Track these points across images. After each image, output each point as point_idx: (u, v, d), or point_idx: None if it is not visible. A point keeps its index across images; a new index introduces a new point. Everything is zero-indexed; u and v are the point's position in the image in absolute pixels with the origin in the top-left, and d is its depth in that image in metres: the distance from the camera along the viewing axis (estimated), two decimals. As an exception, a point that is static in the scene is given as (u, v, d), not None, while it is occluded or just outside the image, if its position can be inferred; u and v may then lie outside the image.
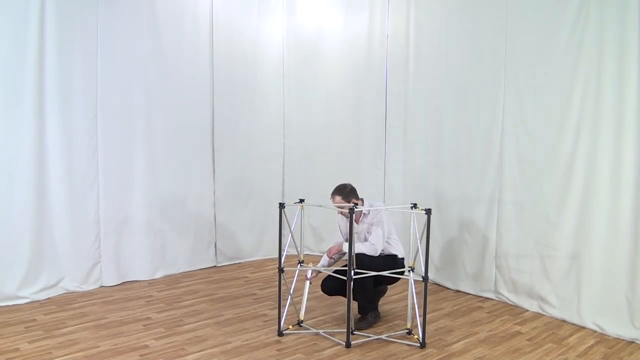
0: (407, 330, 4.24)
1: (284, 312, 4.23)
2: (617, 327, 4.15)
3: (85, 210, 5.13)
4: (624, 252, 4.11)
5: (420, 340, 3.99)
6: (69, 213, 5.03)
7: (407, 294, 4.28)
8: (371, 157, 6.12)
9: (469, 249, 5.21)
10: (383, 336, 4.14)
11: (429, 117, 5.52)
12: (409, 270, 4.17)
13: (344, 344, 3.96)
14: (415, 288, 4.08)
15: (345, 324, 3.99)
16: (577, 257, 4.40)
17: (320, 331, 4.22)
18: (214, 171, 6.03)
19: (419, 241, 4.03)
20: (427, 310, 4.73)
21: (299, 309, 4.39)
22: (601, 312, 4.25)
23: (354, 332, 4.17)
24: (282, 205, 4.11)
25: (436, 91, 5.42)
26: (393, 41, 5.86)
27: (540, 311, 4.67)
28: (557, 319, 4.52)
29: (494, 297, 5.04)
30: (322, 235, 6.54)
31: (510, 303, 4.90)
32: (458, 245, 5.31)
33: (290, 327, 4.29)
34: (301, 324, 4.36)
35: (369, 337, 4.13)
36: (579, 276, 4.39)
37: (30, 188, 4.77)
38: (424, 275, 3.94)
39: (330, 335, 4.15)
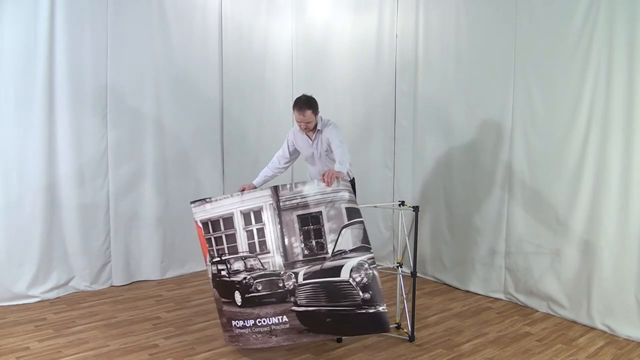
0: (397, 325, 4.33)
1: None
2: (627, 328, 4.13)
3: (95, 210, 5.16)
4: (634, 253, 4.08)
5: (410, 334, 4.08)
6: (79, 213, 5.05)
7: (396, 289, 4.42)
8: (380, 156, 6.10)
9: (478, 249, 5.19)
10: None
11: (439, 116, 5.50)
12: (397, 266, 4.33)
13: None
14: (403, 282, 4.26)
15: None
16: (586, 258, 4.37)
17: None
18: (223, 171, 6.03)
19: (407, 237, 4.18)
20: (436, 311, 4.76)
21: None
22: (611, 313, 4.23)
23: None
24: None
25: (445, 91, 5.40)
26: (402, 40, 5.85)
27: (549, 312, 4.65)
28: (567, 319, 4.50)
29: (503, 298, 5.02)
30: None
31: (520, 303, 4.88)
32: (467, 246, 5.29)
33: None
34: None
35: None
36: (588, 277, 4.36)
37: (40, 187, 4.80)
38: (412, 270, 4.11)
39: None
